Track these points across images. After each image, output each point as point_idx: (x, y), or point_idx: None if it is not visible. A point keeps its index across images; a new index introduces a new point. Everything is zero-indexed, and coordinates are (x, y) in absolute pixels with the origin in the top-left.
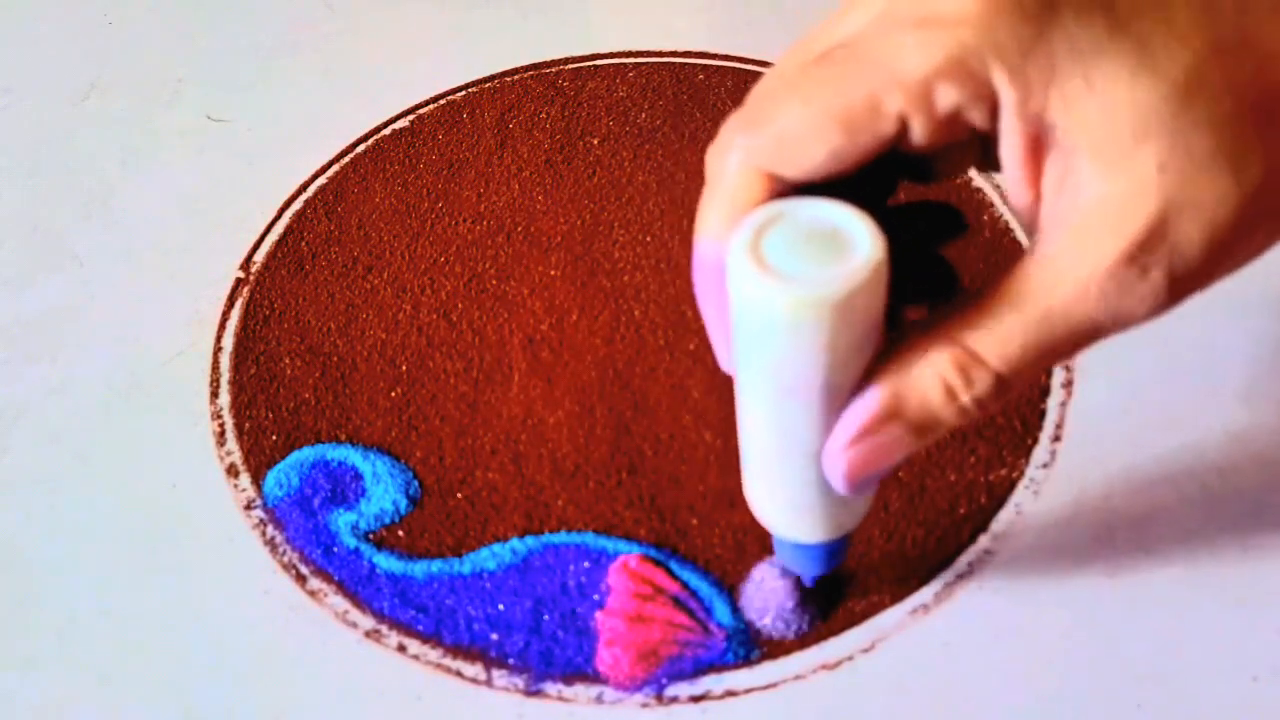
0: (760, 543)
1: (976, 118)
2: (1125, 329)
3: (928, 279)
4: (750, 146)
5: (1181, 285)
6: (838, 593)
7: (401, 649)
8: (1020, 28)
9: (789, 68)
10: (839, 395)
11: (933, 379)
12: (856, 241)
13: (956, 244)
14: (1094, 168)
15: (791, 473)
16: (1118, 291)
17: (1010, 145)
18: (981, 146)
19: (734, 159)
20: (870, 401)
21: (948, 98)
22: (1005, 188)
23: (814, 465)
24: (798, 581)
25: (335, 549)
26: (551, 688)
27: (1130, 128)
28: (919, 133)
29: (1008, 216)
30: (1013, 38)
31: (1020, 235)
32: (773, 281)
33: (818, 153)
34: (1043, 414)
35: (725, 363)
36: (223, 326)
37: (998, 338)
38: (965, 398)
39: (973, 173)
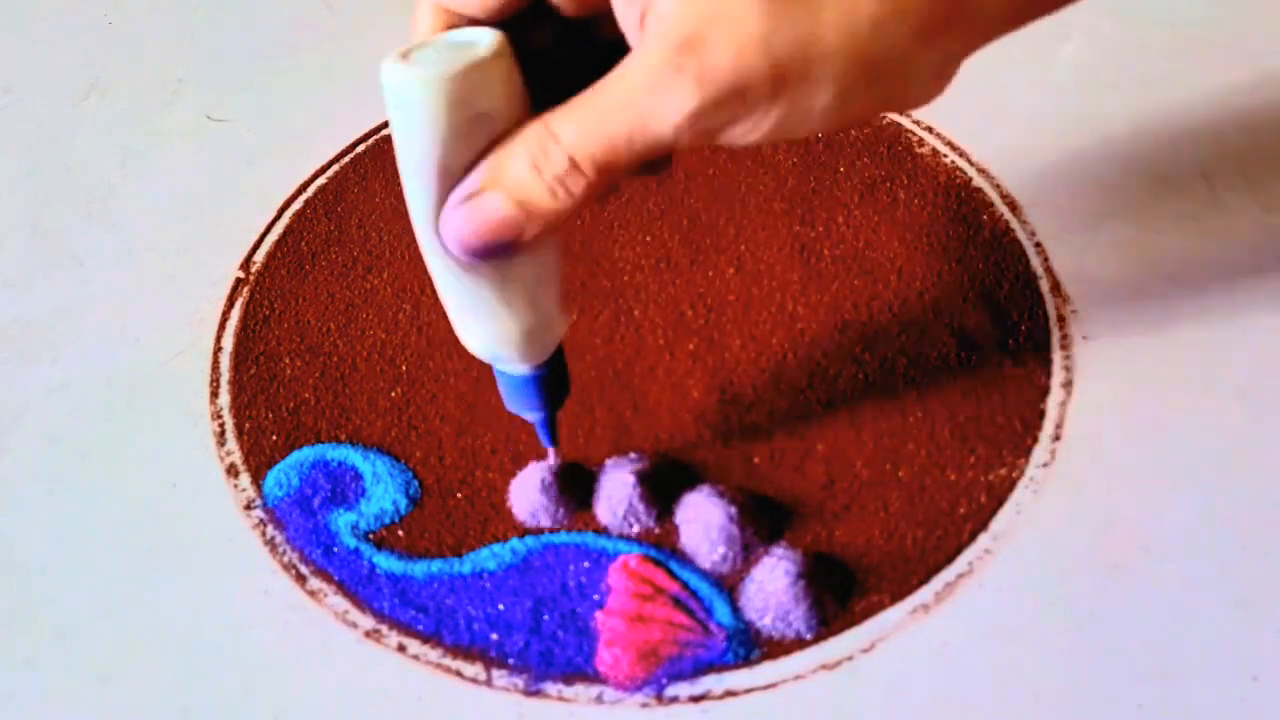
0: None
1: None
2: (672, 131)
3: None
4: None
5: (709, 97)
6: (841, 591)
7: (401, 649)
8: None
9: None
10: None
11: (522, 152)
12: (480, 43)
13: (955, 241)
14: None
15: (459, 280)
16: (661, 87)
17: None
18: None
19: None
20: (476, 171)
21: None
22: (625, 34)
23: (475, 266)
24: (798, 581)
25: (335, 549)
26: (551, 688)
27: None
28: None
29: (1008, 216)
30: None
31: (1020, 234)
32: (404, 68)
33: None
34: (1042, 413)
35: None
36: (223, 326)
37: (572, 121)
38: (546, 175)
39: (972, 173)
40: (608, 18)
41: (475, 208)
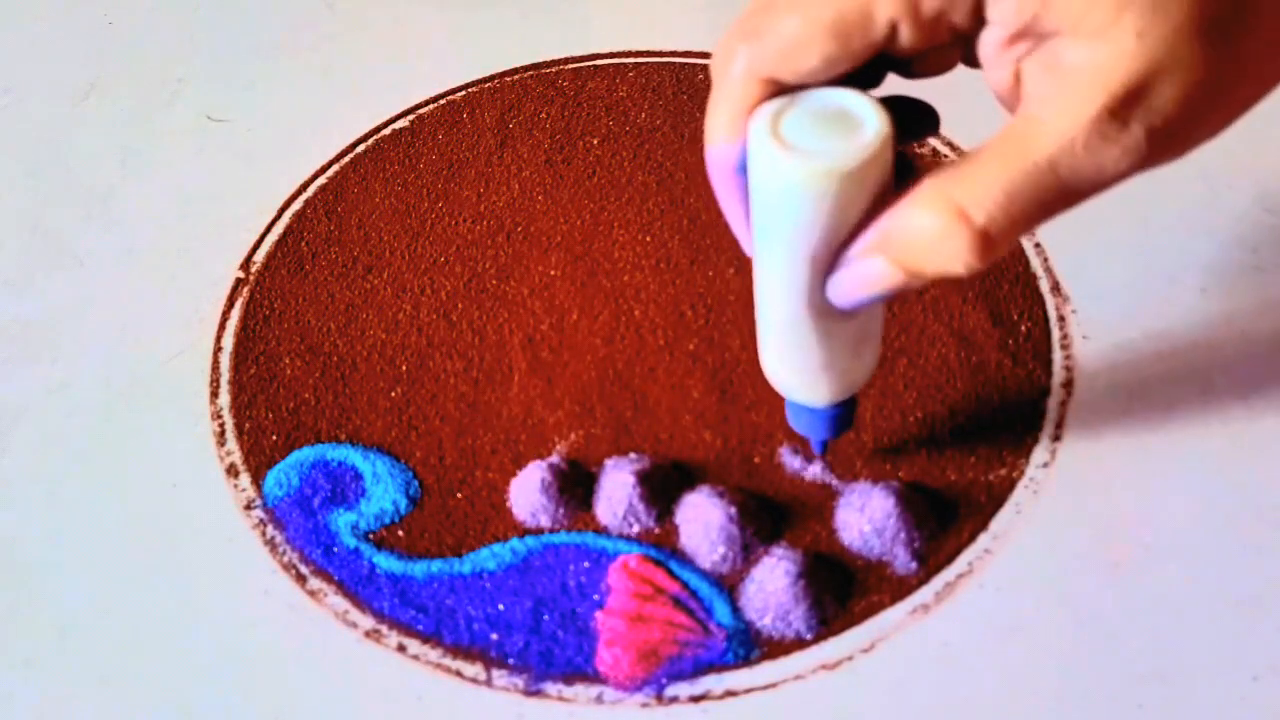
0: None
1: (959, 18)
2: (1104, 185)
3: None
4: (753, 55)
5: (1160, 143)
6: (841, 591)
7: (401, 649)
8: None
9: None
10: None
11: (918, 219)
12: (864, 119)
13: None
14: (1075, 42)
15: (805, 334)
16: (1100, 143)
17: (992, 39)
18: (965, 45)
19: (738, 66)
20: (865, 237)
21: (931, 2)
22: (987, 80)
23: (825, 321)
24: (798, 581)
25: (335, 549)
26: (551, 688)
27: (1109, 7)
28: (907, 36)
29: None
30: None
31: None
32: (793, 157)
33: (815, 59)
34: (1043, 413)
35: (748, 247)
36: (223, 326)
37: (978, 185)
38: (943, 241)
39: None
40: (933, 53)
41: (866, 272)
